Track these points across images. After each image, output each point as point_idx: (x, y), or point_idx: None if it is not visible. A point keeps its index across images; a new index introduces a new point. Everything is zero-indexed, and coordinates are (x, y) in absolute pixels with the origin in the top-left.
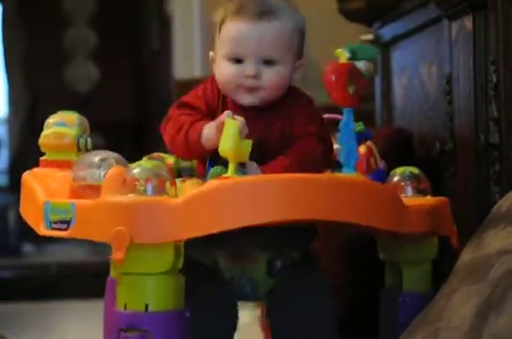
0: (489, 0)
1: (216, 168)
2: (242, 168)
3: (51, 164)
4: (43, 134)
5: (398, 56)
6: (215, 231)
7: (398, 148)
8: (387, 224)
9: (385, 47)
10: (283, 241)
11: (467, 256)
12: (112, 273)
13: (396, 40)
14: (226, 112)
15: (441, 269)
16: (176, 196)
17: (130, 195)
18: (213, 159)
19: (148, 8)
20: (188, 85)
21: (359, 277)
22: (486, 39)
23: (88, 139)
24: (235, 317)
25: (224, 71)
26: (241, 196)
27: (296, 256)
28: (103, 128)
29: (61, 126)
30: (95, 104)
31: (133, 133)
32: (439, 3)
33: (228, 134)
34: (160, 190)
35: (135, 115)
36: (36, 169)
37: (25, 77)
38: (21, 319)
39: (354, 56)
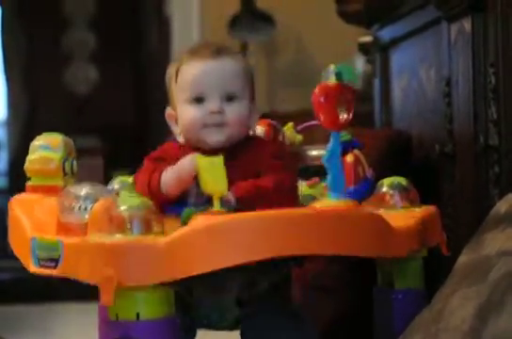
0: (488, 2)
1: (188, 209)
2: (224, 201)
3: (37, 189)
4: (29, 159)
5: (397, 59)
6: (202, 271)
7: (397, 150)
8: (375, 252)
9: (384, 49)
10: (259, 271)
11: (466, 257)
12: None
13: (395, 42)
14: (188, 155)
15: (436, 265)
16: (162, 233)
17: (117, 235)
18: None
19: (147, 10)
20: None
21: (355, 277)
22: (485, 41)
23: (74, 162)
24: None
25: (188, 114)
26: (226, 235)
27: (267, 285)
28: (101, 130)
29: (46, 150)
30: (94, 106)
31: (131, 135)
32: (438, 5)
33: (211, 170)
34: (147, 228)
35: (134, 117)
36: (22, 195)
37: (25, 79)
38: (20, 322)
39: (339, 77)
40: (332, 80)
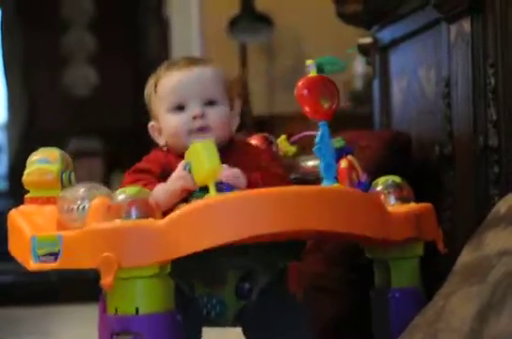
0: (488, 3)
1: (197, 192)
2: (220, 185)
3: (36, 201)
4: (26, 172)
5: (397, 59)
6: (200, 248)
7: (396, 151)
8: (371, 232)
9: (383, 50)
10: (258, 260)
11: (466, 257)
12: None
13: (395, 43)
14: (179, 165)
15: (436, 265)
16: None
17: (116, 220)
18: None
19: (146, 11)
20: None
21: (356, 279)
22: (484, 41)
23: (72, 174)
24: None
25: (171, 122)
26: (223, 212)
27: (261, 275)
28: (100, 133)
29: (44, 163)
30: (94, 108)
31: (131, 138)
32: (437, 6)
33: (202, 155)
34: (145, 214)
35: (133, 119)
36: (21, 207)
37: (24, 82)
38: (20, 324)
39: (321, 70)
40: (313, 73)
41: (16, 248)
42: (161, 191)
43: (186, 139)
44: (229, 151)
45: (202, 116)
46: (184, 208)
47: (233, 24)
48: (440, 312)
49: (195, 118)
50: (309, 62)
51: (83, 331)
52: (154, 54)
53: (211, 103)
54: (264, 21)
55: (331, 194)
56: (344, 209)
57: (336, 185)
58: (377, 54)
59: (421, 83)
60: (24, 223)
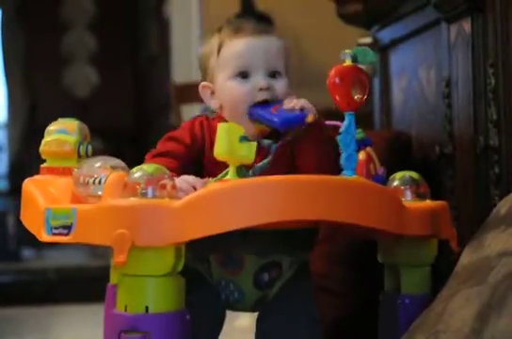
0: (488, 3)
1: (223, 172)
2: (247, 169)
3: (52, 171)
4: (44, 141)
5: (397, 60)
6: (214, 232)
7: (397, 151)
8: (387, 225)
9: (384, 50)
10: (276, 248)
11: (467, 259)
12: (112, 279)
13: (395, 43)
14: (203, 181)
15: (440, 271)
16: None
17: (131, 198)
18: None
19: (146, 11)
20: (187, 89)
21: (360, 280)
22: (484, 41)
23: (89, 146)
24: (219, 325)
25: (233, 89)
26: (239, 197)
27: (287, 268)
28: (101, 133)
29: (62, 134)
30: (94, 108)
31: (132, 137)
32: (437, 6)
33: (219, 138)
34: (161, 193)
35: (133, 119)
36: (36, 177)
37: (25, 82)
38: (19, 324)
39: (354, 60)
40: (348, 62)
41: (29, 218)
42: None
43: (247, 110)
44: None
45: (269, 88)
46: (201, 191)
47: None
48: (441, 313)
49: (261, 89)
50: (346, 52)
51: (83, 331)
52: (155, 54)
53: (275, 74)
54: (264, 20)
55: (346, 185)
56: (359, 201)
57: (355, 176)
58: (377, 54)
59: (421, 83)
60: (38, 194)
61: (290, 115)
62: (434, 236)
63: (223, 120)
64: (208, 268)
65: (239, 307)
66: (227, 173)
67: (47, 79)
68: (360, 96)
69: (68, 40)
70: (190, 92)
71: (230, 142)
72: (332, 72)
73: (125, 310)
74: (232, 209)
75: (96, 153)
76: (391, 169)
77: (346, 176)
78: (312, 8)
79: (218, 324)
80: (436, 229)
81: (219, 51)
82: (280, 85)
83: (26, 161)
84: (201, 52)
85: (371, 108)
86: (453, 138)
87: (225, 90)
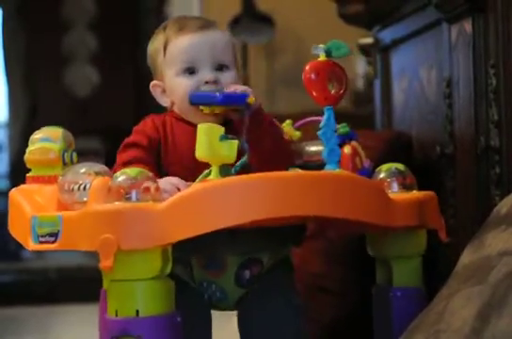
0: (489, 3)
1: (206, 172)
2: (230, 167)
3: (37, 180)
4: (29, 150)
5: (398, 60)
6: (199, 233)
7: (398, 152)
8: (374, 218)
9: (385, 50)
10: (263, 246)
11: (467, 258)
12: (104, 284)
13: (396, 43)
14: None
15: (437, 266)
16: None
17: (115, 203)
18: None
19: (147, 11)
20: None
21: (357, 279)
22: (485, 42)
23: (74, 154)
24: (208, 326)
25: (181, 85)
26: (224, 196)
27: (268, 264)
28: (102, 132)
29: (46, 141)
30: (95, 108)
31: None
32: (438, 6)
33: (200, 139)
34: (145, 196)
35: (134, 119)
36: (23, 186)
37: (25, 81)
38: (20, 324)
39: (328, 54)
40: (322, 57)
41: (16, 227)
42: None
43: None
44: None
45: (216, 81)
46: (184, 192)
47: (235, 24)
48: (442, 312)
49: (207, 83)
50: (317, 46)
51: (83, 331)
52: None
53: (222, 67)
54: (265, 21)
55: (334, 179)
56: (347, 195)
57: (338, 170)
58: (378, 54)
59: (422, 83)
60: (24, 202)
61: (231, 93)
62: (421, 227)
63: (175, 116)
64: (190, 272)
65: (222, 306)
66: (209, 173)
67: (48, 79)
68: (336, 90)
69: (68, 39)
70: None
71: (210, 142)
72: (307, 68)
73: (116, 315)
74: (216, 208)
75: (96, 153)
76: None
77: (330, 170)
78: (313, 9)
79: (207, 326)
80: (423, 219)
81: (165, 49)
82: (226, 77)
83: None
84: (149, 50)
85: (372, 109)
86: (453, 139)
87: (174, 87)
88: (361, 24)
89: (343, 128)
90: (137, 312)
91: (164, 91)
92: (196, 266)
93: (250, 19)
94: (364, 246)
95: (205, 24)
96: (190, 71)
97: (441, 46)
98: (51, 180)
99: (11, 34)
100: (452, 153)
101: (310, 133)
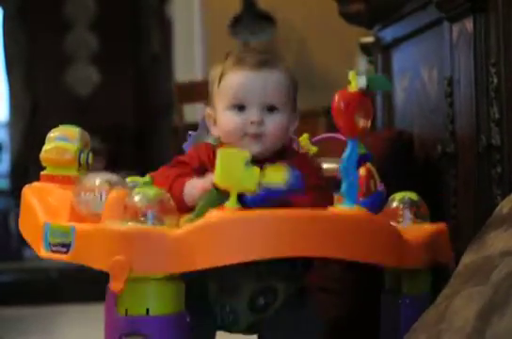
0: (490, 2)
1: (212, 190)
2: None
3: (52, 179)
4: (45, 148)
5: (399, 59)
6: (214, 265)
7: (399, 150)
8: (387, 260)
9: (386, 49)
10: (272, 274)
11: (469, 258)
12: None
13: (397, 42)
14: (210, 176)
15: (444, 272)
16: (177, 226)
17: (130, 223)
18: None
19: (148, 11)
20: (188, 88)
21: (358, 279)
22: (486, 41)
23: (90, 154)
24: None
25: (228, 120)
26: (242, 231)
27: (281, 293)
28: (103, 132)
29: (62, 141)
30: (96, 107)
31: (133, 136)
32: (439, 5)
33: (219, 164)
34: (161, 220)
35: (135, 118)
36: (36, 184)
37: (26, 81)
38: (21, 323)
39: (370, 87)
40: (353, 86)
41: (28, 230)
42: (191, 185)
43: (239, 141)
44: (280, 158)
45: (260, 122)
46: (199, 221)
47: (236, 22)
48: (444, 312)
49: (252, 123)
50: (360, 76)
51: (85, 331)
52: (157, 53)
53: (271, 108)
54: (266, 20)
55: (350, 221)
56: (366, 238)
57: (356, 207)
58: (380, 53)
59: (423, 82)
60: (37, 205)
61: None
62: (432, 264)
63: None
64: (206, 292)
65: (234, 329)
66: (216, 194)
67: (49, 78)
68: (364, 122)
69: (70, 39)
70: (192, 91)
71: (230, 169)
72: (337, 97)
73: (126, 314)
74: (236, 241)
75: (96, 153)
76: (392, 169)
77: (348, 206)
78: (314, 7)
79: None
80: (434, 255)
81: (220, 81)
82: (272, 120)
83: (28, 160)
84: (209, 77)
85: (373, 108)
86: (455, 137)
87: (222, 120)
88: (362, 22)
89: (360, 149)
90: (148, 310)
91: (215, 122)
92: (211, 286)
93: (251, 18)
94: None
95: (263, 61)
96: (239, 107)
97: (442, 45)
98: (65, 180)
99: (12, 33)
100: (453, 151)
101: (326, 148)
